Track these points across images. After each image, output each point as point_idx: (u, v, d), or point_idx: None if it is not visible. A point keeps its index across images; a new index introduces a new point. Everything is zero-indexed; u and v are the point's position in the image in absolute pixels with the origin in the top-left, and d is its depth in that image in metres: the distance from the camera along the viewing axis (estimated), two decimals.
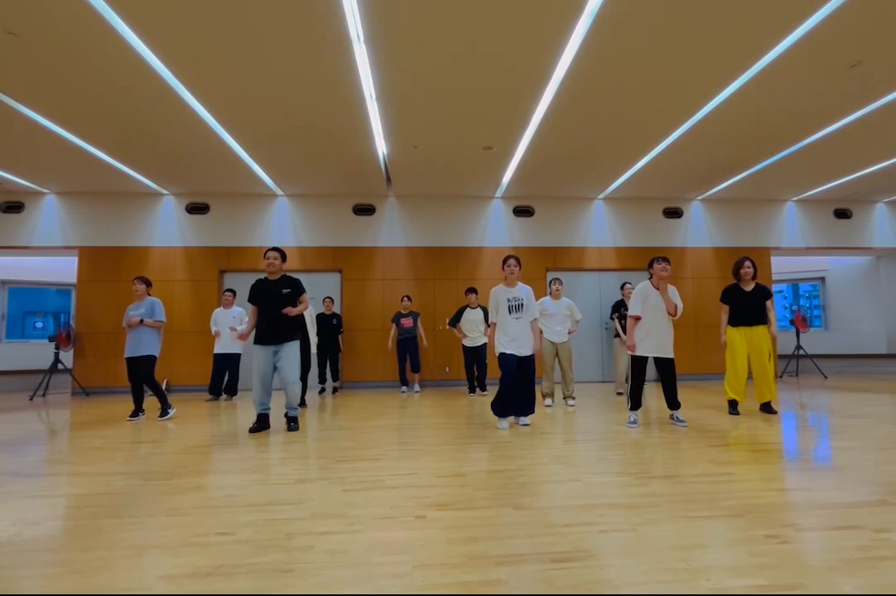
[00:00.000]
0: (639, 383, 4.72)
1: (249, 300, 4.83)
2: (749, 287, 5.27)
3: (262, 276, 4.92)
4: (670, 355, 4.67)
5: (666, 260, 4.73)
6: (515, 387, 4.66)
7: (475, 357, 7.36)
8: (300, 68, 4.97)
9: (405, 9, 4.11)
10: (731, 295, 5.34)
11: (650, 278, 4.82)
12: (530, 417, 4.94)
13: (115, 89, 5.32)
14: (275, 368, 4.75)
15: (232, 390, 7.47)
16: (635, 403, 4.71)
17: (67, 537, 2.13)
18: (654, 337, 4.65)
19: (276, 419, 5.06)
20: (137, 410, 5.54)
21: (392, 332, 7.97)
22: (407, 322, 7.86)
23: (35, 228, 8.69)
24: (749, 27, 4.39)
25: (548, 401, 6.21)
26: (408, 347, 7.90)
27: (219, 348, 7.33)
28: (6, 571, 1.82)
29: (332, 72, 5.03)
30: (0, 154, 7.07)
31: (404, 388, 8.06)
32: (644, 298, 4.72)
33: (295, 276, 5.22)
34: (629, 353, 4.74)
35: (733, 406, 5.26)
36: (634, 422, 4.63)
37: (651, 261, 4.78)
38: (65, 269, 9.38)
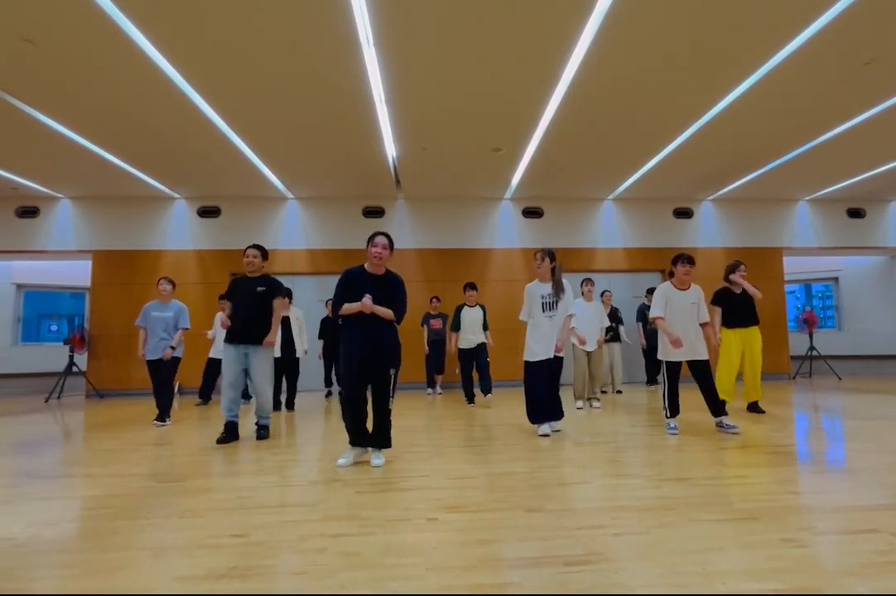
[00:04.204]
0: (674, 389, 4.42)
1: (225, 296, 4.59)
2: (739, 291, 5.36)
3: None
4: (704, 357, 4.37)
5: (690, 261, 4.38)
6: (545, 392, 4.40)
7: (473, 360, 6.66)
8: (310, 72, 5.01)
9: (414, 12, 4.13)
10: (725, 298, 5.38)
11: (671, 278, 4.52)
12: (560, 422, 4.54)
13: (128, 94, 5.38)
14: (246, 373, 4.44)
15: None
16: (673, 410, 4.37)
17: (83, 538, 2.16)
18: (686, 339, 4.30)
19: (278, 423, 5.07)
20: (164, 415, 5.30)
21: (424, 334, 7.80)
22: (436, 323, 7.76)
23: (50, 233, 8.81)
24: (760, 25, 4.36)
25: (579, 403, 6.13)
26: (437, 348, 7.76)
27: (214, 353, 7.25)
28: (23, 572, 1.84)
29: (341, 75, 5.06)
30: (15, 159, 7.18)
31: (430, 390, 8.08)
32: (666, 300, 4.41)
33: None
34: (671, 351, 4.37)
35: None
36: (675, 428, 4.31)
37: (675, 259, 4.44)
38: (79, 273, 9.49)
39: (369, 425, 3.50)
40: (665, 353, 4.43)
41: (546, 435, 4.26)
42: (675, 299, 4.43)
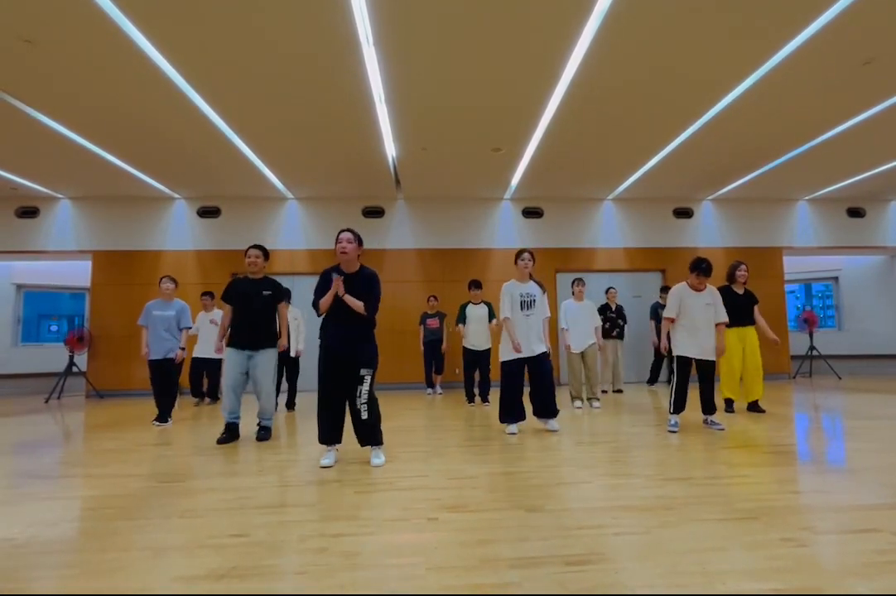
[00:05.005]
0: (683, 386, 4.43)
1: (223, 298, 4.40)
2: (741, 290, 5.43)
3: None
4: (713, 358, 4.45)
5: (705, 273, 4.38)
6: (532, 390, 4.54)
7: (477, 362, 6.72)
8: (310, 72, 5.00)
9: (414, 12, 4.13)
10: (726, 296, 5.33)
11: (688, 280, 4.54)
12: (558, 421, 4.63)
13: (128, 94, 5.38)
14: (247, 375, 4.39)
15: (214, 395, 7.44)
16: (679, 406, 4.42)
17: (83, 539, 2.15)
18: (697, 338, 4.41)
19: (277, 423, 5.06)
20: (166, 415, 5.30)
21: (420, 333, 7.81)
22: (433, 322, 7.74)
23: (50, 233, 8.81)
24: (759, 25, 4.36)
25: (577, 403, 6.13)
26: (434, 348, 7.74)
27: (197, 352, 7.22)
28: (24, 572, 1.84)
29: (341, 75, 5.06)
30: (16, 159, 7.18)
31: (430, 390, 8.06)
32: (680, 300, 4.47)
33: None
34: (684, 346, 4.43)
35: (729, 405, 5.47)
36: (675, 425, 4.37)
37: (694, 267, 4.43)
38: (79, 273, 9.49)
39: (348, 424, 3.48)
40: (678, 347, 4.46)
41: (513, 433, 4.42)
42: (689, 300, 4.48)
